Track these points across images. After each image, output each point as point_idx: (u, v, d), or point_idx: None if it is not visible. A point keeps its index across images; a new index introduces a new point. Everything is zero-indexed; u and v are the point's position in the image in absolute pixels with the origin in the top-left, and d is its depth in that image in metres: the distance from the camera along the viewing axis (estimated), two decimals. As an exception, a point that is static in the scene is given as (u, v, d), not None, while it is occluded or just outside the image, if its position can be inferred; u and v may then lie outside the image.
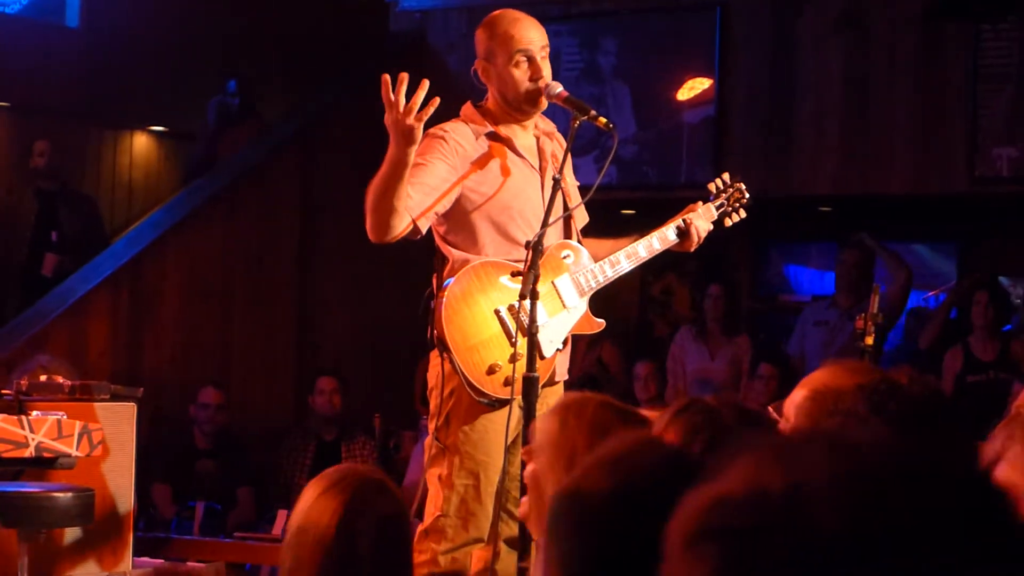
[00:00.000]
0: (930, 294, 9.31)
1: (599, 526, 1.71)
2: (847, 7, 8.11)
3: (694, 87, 8.45)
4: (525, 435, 3.74)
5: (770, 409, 2.75)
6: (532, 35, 4.21)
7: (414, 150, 3.89)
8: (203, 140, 9.64)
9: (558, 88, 4.21)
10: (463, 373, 4.04)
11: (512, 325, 4.09)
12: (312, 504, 2.79)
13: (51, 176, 9.02)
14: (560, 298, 4.18)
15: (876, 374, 2.53)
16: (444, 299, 4.07)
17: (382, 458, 7.83)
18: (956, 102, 7.82)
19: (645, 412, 2.68)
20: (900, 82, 7.95)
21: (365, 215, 4.03)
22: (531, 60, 4.18)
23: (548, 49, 4.25)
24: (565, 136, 4.24)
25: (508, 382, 4.06)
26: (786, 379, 7.70)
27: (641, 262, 4.34)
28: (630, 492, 1.71)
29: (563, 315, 4.17)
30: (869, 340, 3.59)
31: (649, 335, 10.05)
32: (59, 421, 3.89)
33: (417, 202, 4.03)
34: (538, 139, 4.33)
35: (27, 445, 3.82)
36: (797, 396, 2.68)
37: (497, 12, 4.31)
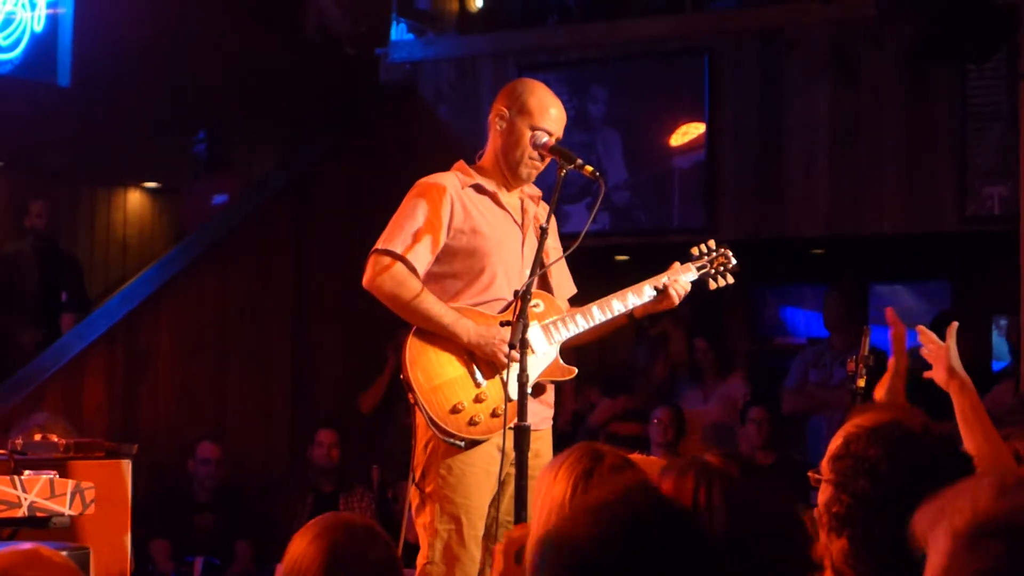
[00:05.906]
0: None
1: (585, 572, 1.70)
2: (834, 49, 8.15)
3: (688, 132, 8.46)
4: (519, 483, 3.75)
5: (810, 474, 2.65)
6: (561, 123, 4.35)
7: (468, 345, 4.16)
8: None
9: (544, 138, 4.26)
10: (427, 412, 4.11)
11: (479, 371, 4.18)
12: (300, 552, 2.79)
13: (48, 236, 9.02)
14: (529, 344, 4.20)
15: (893, 416, 2.49)
16: (409, 340, 4.15)
17: (380, 509, 7.81)
18: (945, 142, 7.85)
19: (634, 456, 2.67)
20: (889, 123, 7.97)
21: (375, 281, 4.19)
22: (548, 141, 4.29)
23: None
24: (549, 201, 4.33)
25: (473, 422, 4.11)
26: (777, 422, 7.68)
27: (616, 315, 4.39)
28: (616, 539, 1.71)
29: (531, 360, 4.19)
30: (861, 383, 3.59)
31: (647, 378, 10.02)
32: (51, 480, 3.88)
33: (423, 266, 4.21)
34: (523, 201, 4.43)
35: (20, 505, 3.81)
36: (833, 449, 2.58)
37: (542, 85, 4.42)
